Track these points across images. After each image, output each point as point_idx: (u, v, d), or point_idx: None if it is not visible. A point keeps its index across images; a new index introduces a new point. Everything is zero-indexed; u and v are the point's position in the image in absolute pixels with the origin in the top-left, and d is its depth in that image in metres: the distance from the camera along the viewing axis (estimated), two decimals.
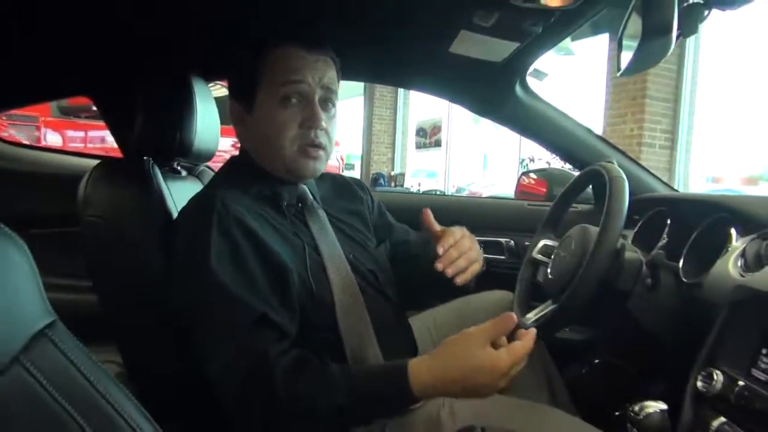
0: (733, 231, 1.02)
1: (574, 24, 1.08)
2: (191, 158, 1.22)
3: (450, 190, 10.33)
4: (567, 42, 5.47)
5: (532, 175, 1.93)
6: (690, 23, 0.77)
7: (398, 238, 1.28)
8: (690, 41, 5.40)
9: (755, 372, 0.84)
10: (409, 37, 1.20)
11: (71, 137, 6.90)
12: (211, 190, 0.99)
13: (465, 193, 11.54)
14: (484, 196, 10.40)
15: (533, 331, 0.81)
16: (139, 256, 1.01)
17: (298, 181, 1.06)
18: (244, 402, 0.83)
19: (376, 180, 9.62)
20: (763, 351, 0.84)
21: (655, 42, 0.75)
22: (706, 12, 0.77)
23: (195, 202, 0.98)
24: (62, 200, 1.10)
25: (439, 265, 0.97)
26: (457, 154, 10.43)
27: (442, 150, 10.11)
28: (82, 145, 6.93)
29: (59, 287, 1.52)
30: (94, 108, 1.59)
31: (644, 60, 0.81)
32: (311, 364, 0.84)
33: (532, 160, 7.07)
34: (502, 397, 1.16)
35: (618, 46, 0.92)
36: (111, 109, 1.47)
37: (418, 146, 10.58)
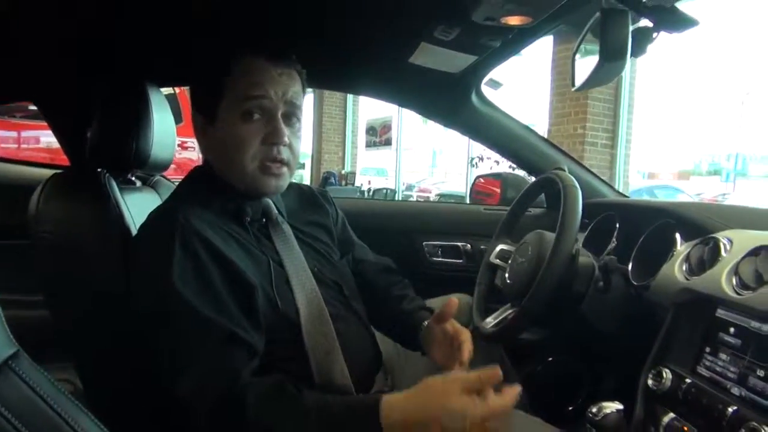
0: (677, 236, 1.08)
1: (531, 39, 1.12)
2: (147, 169, 1.19)
3: (400, 188, 10.41)
4: None
5: (480, 182, 1.99)
6: (640, 45, 0.82)
7: (358, 256, 1.28)
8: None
9: (700, 369, 0.90)
10: (370, 47, 1.21)
11: (3, 137, 6.53)
12: (172, 205, 0.96)
13: (415, 191, 11.69)
14: (433, 193, 10.57)
15: (516, 389, 0.79)
16: (95, 272, 0.98)
17: (260, 197, 1.04)
18: (216, 423, 0.82)
19: (326, 179, 9.57)
20: (707, 350, 0.91)
21: (610, 65, 0.79)
22: (655, 34, 0.82)
23: (156, 217, 0.95)
24: (10, 212, 1.05)
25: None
26: (407, 153, 10.52)
27: (392, 148, 10.17)
28: (15, 146, 6.57)
29: (6, 303, 1.45)
30: (31, 107, 1.51)
31: (599, 78, 0.86)
32: (286, 393, 0.83)
33: (481, 159, 7.21)
34: None
35: (572, 63, 0.96)
36: (58, 116, 1.40)
37: (369, 145, 10.60)
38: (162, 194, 1.31)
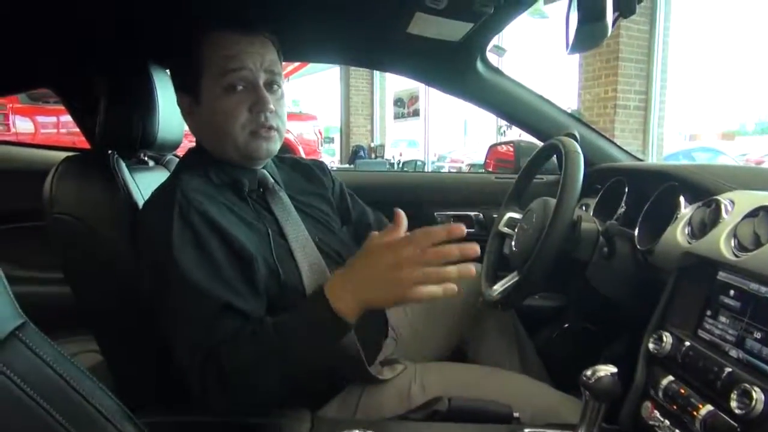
0: (681, 199, 1.06)
1: (526, 2, 1.09)
2: (156, 149, 1.22)
3: (431, 159, 10.33)
4: (540, 5, 5.45)
5: (501, 148, 1.97)
6: (628, 3, 0.79)
7: (359, 219, 1.30)
8: (661, 1, 5.42)
9: (701, 333, 0.90)
10: (366, 19, 1.21)
11: (43, 123, 6.77)
12: (172, 181, 1.00)
13: (446, 161, 11.58)
14: (464, 163, 10.48)
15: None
16: (109, 250, 1.03)
17: (254, 165, 1.07)
18: (204, 384, 0.85)
19: (356, 152, 9.59)
20: (708, 313, 0.90)
21: (592, 26, 0.77)
22: None
23: (157, 194, 0.99)
24: (35, 194, 1.09)
25: None
26: (436, 123, 10.41)
27: (420, 119, 10.08)
28: (55, 131, 6.80)
29: (34, 280, 1.54)
30: None
31: (586, 41, 0.84)
32: (246, 334, 0.86)
33: (509, 126, 7.09)
34: (470, 366, 1.22)
35: (565, 26, 0.94)
36: (74, 99, 1.46)
37: (397, 116, 10.54)
38: None
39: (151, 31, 1.16)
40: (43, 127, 6.77)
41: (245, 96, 0.99)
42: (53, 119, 6.79)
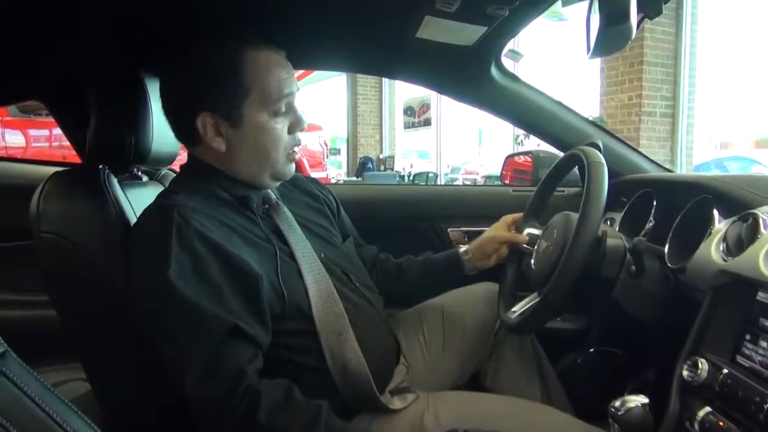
0: (715, 213, 1.04)
1: (543, 4, 1.09)
2: (149, 164, 1.22)
3: (444, 171, 10.33)
4: (558, 7, 5.46)
5: (518, 159, 1.96)
6: (654, 4, 0.78)
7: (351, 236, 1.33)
8: (687, 2, 5.41)
9: (739, 359, 0.87)
10: (372, 25, 1.21)
11: (35, 136, 6.84)
12: (168, 200, 0.98)
13: (460, 173, 11.58)
14: (479, 174, 10.48)
15: None
16: (98, 271, 1.02)
17: (268, 186, 1.09)
18: (220, 417, 0.85)
19: (363, 164, 9.60)
20: (747, 337, 0.87)
21: (615, 29, 0.77)
22: None
23: (151, 213, 0.98)
24: (23, 212, 1.07)
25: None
26: (449, 132, 10.42)
27: (432, 128, 10.08)
28: (47, 144, 6.87)
29: (21, 304, 1.54)
30: None
31: (610, 44, 0.83)
32: (300, 403, 0.89)
33: (527, 136, 7.08)
34: (487, 396, 1.20)
35: (586, 29, 0.93)
36: (64, 112, 1.46)
37: (407, 126, 10.54)
38: None
39: (145, 39, 1.16)
40: (35, 140, 6.84)
41: (286, 118, 1.04)
42: (45, 132, 6.86)
